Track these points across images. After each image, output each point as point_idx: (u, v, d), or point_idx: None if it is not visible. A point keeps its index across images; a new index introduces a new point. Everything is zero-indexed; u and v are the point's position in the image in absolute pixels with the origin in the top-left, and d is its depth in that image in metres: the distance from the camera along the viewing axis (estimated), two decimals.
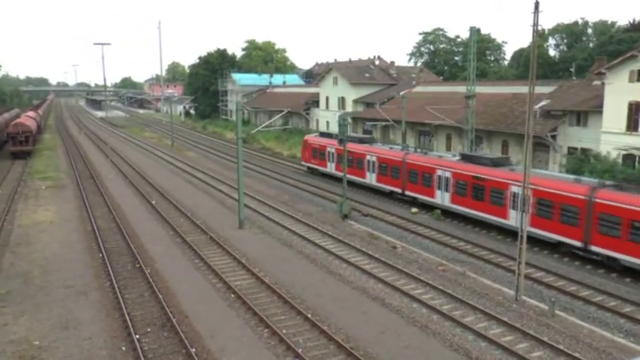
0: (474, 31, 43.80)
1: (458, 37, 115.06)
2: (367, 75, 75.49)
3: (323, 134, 54.30)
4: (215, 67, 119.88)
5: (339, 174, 43.77)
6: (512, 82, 63.80)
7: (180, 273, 25.71)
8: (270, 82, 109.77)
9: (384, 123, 57.35)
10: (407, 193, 39.92)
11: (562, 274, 25.97)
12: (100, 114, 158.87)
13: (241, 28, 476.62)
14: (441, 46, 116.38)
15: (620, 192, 26.09)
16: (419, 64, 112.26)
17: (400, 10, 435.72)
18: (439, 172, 36.20)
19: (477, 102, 45.88)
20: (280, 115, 64.53)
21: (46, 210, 39.01)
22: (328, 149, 49.69)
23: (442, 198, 35.68)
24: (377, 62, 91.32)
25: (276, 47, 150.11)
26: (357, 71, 77.03)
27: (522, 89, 48.91)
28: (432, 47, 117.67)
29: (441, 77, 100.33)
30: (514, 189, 30.63)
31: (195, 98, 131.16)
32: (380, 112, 57.75)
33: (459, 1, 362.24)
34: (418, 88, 67.19)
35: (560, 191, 28.06)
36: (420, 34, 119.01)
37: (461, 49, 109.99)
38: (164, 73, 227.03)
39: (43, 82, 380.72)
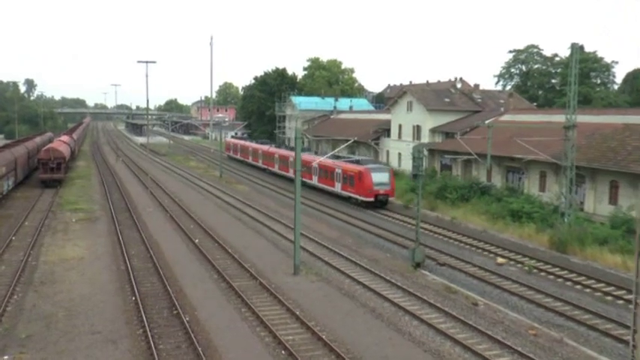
0: (577, 49, 43.01)
1: (556, 55, 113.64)
2: (447, 100, 75.15)
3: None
4: (273, 88, 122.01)
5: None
6: (623, 110, 62.22)
7: (224, 323, 25.76)
8: (335, 107, 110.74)
9: (465, 157, 56.69)
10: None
11: None
12: (140, 140, 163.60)
13: (303, 45, 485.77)
14: (535, 66, 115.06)
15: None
16: (508, 88, 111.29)
17: (487, 25, 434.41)
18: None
19: (578, 134, 44.82)
20: (346, 144, 64.74)
21: (76, 245, 40.09)
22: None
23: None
24: (459, 85, 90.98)
25: (343, 67, 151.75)
26: (435, 95, 76.83)
27: (637, 119, 47.58)
28: (523, 68, 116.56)
29: (535, 103, 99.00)
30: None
31: (249, 124, 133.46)
32: (461, 143, 57.17)
33: (558, 14, 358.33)
34: (507, 116, 66.28)
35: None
36: (511, 52, 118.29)
37: (559, 69, 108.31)
38: (214, 95, 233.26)
39: (80, 103, 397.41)
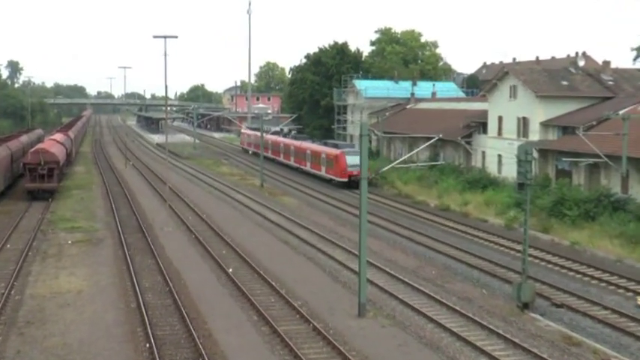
0: None
1: None
2: (565, 83, 74.07)
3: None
4: (330, 70, 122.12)
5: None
6: None
7: None
8: (413, 94, 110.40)
9: (591, 160, 55.73)
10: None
11: None
12: (156, 138, 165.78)
13: (370, 11, 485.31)
14: None
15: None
16: None
17: None
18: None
19: None
20: (427, 144, 64.38)
21: (72, 275, 40.78)
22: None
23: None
24: (581, 63, 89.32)
25: (423, 40, 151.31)
26: (547, 77, 75.78)
27: None
28: None
29: None
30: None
31: (299, 117, 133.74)
32: (585, 141, 56.28)
33: None
34: None
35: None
36: None
37: None
38: (253, 79, 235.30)
39: (78, 91, 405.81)
